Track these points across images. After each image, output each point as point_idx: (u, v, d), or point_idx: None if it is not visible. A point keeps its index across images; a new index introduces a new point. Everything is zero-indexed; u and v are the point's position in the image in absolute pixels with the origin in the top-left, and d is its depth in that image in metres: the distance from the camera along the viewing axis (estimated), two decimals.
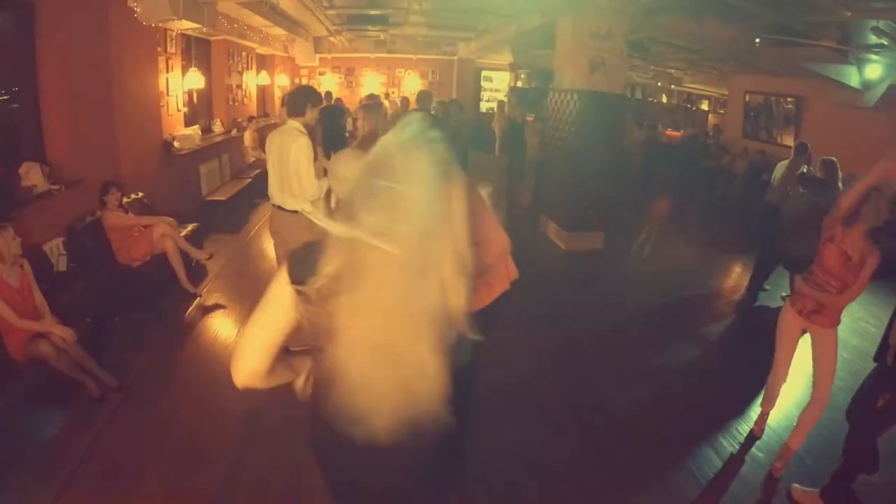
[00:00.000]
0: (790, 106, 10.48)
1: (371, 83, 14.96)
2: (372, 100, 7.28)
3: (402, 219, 1.05)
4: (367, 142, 4.14)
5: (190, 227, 5.45)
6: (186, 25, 5.74)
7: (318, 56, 12.47)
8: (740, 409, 3.72)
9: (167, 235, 4.68)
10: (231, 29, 7.35)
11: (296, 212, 3.70)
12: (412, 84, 15.01)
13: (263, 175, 8.64)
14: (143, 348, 3.87)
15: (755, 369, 3.82)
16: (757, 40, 6.40)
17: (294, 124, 3.60)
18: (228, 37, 7.73)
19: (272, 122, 10.64)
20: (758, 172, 9.41)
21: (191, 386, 3.52)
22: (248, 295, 4.98)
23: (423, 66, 15.19)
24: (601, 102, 6.32)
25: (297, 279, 1.23)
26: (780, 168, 6.11)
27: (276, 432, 3.09)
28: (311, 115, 3.64)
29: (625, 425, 3.50)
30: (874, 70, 6.90)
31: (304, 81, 13.37)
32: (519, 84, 16.75)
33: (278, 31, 9.33)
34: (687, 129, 13.56)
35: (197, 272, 5.16)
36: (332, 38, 11.80)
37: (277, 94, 11.75)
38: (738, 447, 3.35)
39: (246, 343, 1.30)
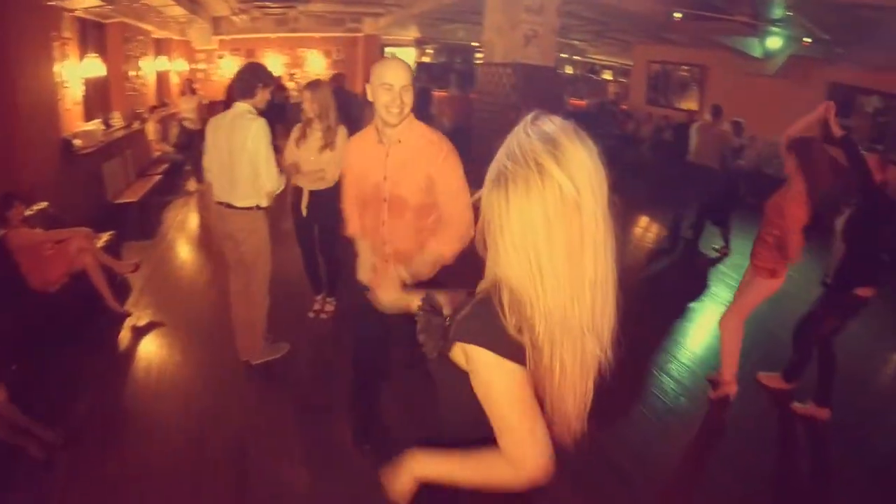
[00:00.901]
0: (685, 73, 11.03)
1: (273, 65, 13.84)
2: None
3: None
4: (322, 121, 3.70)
5: (105, 236, 4.63)
6: (86, 3, 4.81)
7: (216, 38, 11.30)
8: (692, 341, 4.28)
9: (85, 250, 3.92)
10: (128, 9, 6.37)
11: (250, 209, 3.20)
12: (316, 64, 14.13)
13: (172, 171, 7.90)
14: (79, 388, 3.18)
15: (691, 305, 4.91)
16: (677, 15, 6.53)
17: (243, 107, 3.09)
18: (125, 19, 6.73)
19: (172, 111, 9.58)
20: (663, 136, 9.80)
21: (151, 425, 2.94)
22: (182, 307, 4.38)
23: (326, 45, 14.32)
24: (536, 76, 6.18)
25: (512, 354, 0.96)
26: (699, 130, 6.31)
27: (270, 466, 2.67)
28: (262, 96, 3.15)
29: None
30: (775, 41, 7.35)
31: (202, 66, 12.14)
32: (425, 59, 16.39)
33: (177, 11, 8.28)
34: (591, 97, 13.95)
35: (119, 288, 4.39)
36: (233, 18, 10.73)
37: (174, 80, 10.55)
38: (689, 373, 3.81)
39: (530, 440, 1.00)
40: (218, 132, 3.12)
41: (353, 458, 2.71)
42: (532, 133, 0.93)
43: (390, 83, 2.07)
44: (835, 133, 3.01)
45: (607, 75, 15.59)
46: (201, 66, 12.29)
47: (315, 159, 3.69)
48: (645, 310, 4.59)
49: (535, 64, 6.18)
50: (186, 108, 8.07)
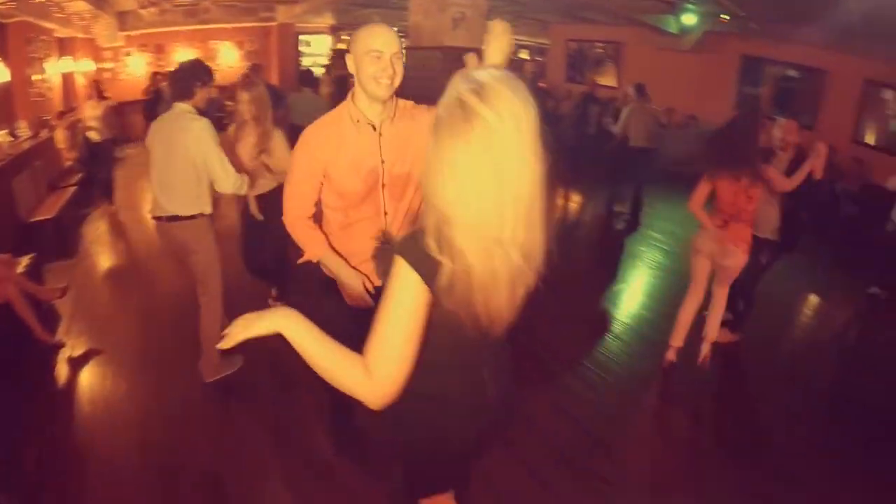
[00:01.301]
0: (600, 50, 11.25)
1: (183, 59, 12.80)
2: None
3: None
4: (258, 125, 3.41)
5: (25, 260, 4.11)
6: None
7: (123, 34, 10.32)
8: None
9: (6, 279, 3.46)
10: (30, 6, 5.65)
11: (194, 217, 2.93)
12: (228, 56, 13.23)
13: (87, 180, 7.13)
14: (22, 436, 2.79)
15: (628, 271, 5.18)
16: None
17: (183, 107, 2.83)
18: (27, 17, 5.97)
19: (80, 116, 8.67)
20: (584, 113, 9.88)
21: (112, 466, 2.61)
22: (119, 329, 3.94)
23: (239, 36, 13.37)
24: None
25: (425, 271, 1.05)
26: (633, 113, 6.39)
27: (252, 490, 2.47)
28: (202, 95, 2.88)
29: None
30: (690, 18, 7.57)
31: (109, 66, 11.07)
32: (341, 46, 15.84)
33: (81, 7, 7.45)
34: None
35: (47, 316, 3.87)
36: (141, 11, 9.83)
37: (80, 82, 9.57)
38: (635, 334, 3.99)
39: (390, 362, 1.08)
40: (155, 138, 2.86)
41: (338, 469, 2.56)
42: (460, 80, 1.00)
43: (379, 50, 1.75)
44: (815, 176, 3.14)
45: (524, 54, 15.68)
46: (108, 65, 11.17)
47: (245, 164, 3.40)
48: (586, 278, 4.84)
49: (465, 46, 6.04)
50: (91, 116, 6.69)
